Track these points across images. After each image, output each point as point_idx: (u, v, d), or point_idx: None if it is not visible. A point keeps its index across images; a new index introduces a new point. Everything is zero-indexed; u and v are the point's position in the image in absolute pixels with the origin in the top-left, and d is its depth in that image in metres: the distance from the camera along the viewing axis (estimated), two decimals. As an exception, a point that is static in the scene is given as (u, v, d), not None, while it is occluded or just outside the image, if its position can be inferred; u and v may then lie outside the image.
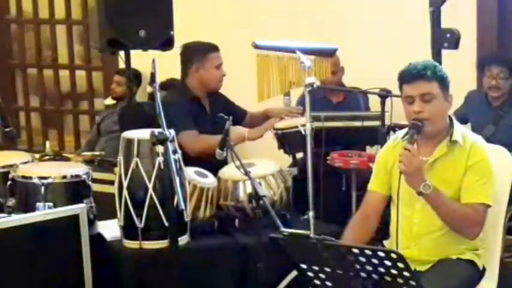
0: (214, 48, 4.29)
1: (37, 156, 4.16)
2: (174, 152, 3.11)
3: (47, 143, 4.74)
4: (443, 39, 3.65)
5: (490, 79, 4.52)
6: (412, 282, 2.33)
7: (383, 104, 4.04)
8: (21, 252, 2.62)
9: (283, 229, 2.66)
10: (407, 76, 2.92)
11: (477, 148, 2.95)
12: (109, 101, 6.01)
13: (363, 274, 2.38)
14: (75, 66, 6.45)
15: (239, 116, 4.36)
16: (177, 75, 4.45)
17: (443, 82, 2.91)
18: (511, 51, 4.89)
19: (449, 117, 3.01)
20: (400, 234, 2.95)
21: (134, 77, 5.40)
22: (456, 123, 3.01)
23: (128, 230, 3.44)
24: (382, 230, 3.20)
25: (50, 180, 3.43)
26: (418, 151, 2.96)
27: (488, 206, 2.91)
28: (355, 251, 2.35)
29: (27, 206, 3.39)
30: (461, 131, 3.00)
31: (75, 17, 6.30)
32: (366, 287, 2.40)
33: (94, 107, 6.45)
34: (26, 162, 3.73)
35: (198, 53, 4.26)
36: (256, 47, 3.86)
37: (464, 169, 2.92)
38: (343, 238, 3.01)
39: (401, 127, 3.63)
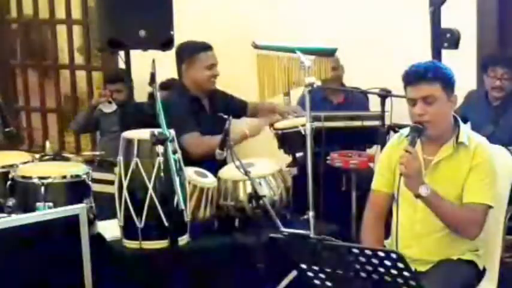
0: (205, 47, 4.23)
1: (37, 156, 4.15)
2: (174, 152, 3.11)
3: (47, 143, 4.73)
4: (443, 39, 3.65)
5: (494, 80, 4.51)
6: (412, 282, 2.33)
7: (383, 104, 4.04)
8: (20, 252, 2.61)
9: (283, 229, 2.66)
10: (410, 78, 2.90)
11: (482, 149, 2.94)
12: (108, 108, 5.92)
13: (363, 274, 2.38)
14: (76, 67, 6.45)
15: (240, 108, 4.36)
16: (177, 75, 4.45)
17: (446, 82, 2.89)
18: (511, 51, 4.88)
19: (455, 117, 3.00)
20: (402, 233, 2.93)
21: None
22: (462, 124, 3.00)
23: (128, 230, 3.44)
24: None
25: (50, 180, 3.43)
26: (423, 150, 2.96)
27: (490, 206, 2.90)
28: (355, 251, 2.35)
29: (27, 206, 3.39)
30: (467, 132, 3.00)
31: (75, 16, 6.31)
32: (365, 287, 2.40)
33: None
34: (26, 162, 3.73)
35: (187, 53, 4.23)
36: (256, 47, 3.86)
37: (468, 169, 2.91)
38: (363, 242, 2.98)
39: (401, 127, 3.63)
